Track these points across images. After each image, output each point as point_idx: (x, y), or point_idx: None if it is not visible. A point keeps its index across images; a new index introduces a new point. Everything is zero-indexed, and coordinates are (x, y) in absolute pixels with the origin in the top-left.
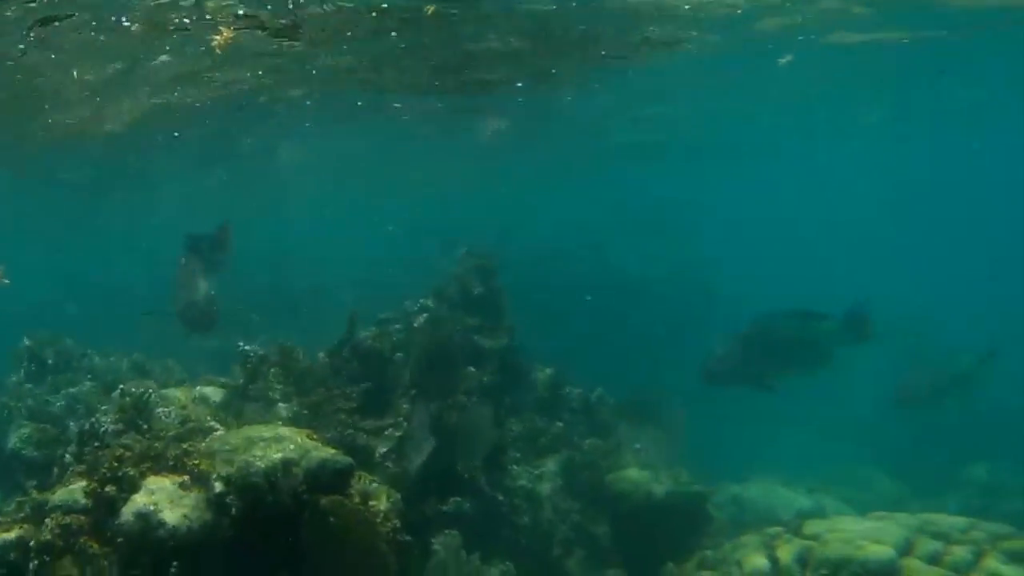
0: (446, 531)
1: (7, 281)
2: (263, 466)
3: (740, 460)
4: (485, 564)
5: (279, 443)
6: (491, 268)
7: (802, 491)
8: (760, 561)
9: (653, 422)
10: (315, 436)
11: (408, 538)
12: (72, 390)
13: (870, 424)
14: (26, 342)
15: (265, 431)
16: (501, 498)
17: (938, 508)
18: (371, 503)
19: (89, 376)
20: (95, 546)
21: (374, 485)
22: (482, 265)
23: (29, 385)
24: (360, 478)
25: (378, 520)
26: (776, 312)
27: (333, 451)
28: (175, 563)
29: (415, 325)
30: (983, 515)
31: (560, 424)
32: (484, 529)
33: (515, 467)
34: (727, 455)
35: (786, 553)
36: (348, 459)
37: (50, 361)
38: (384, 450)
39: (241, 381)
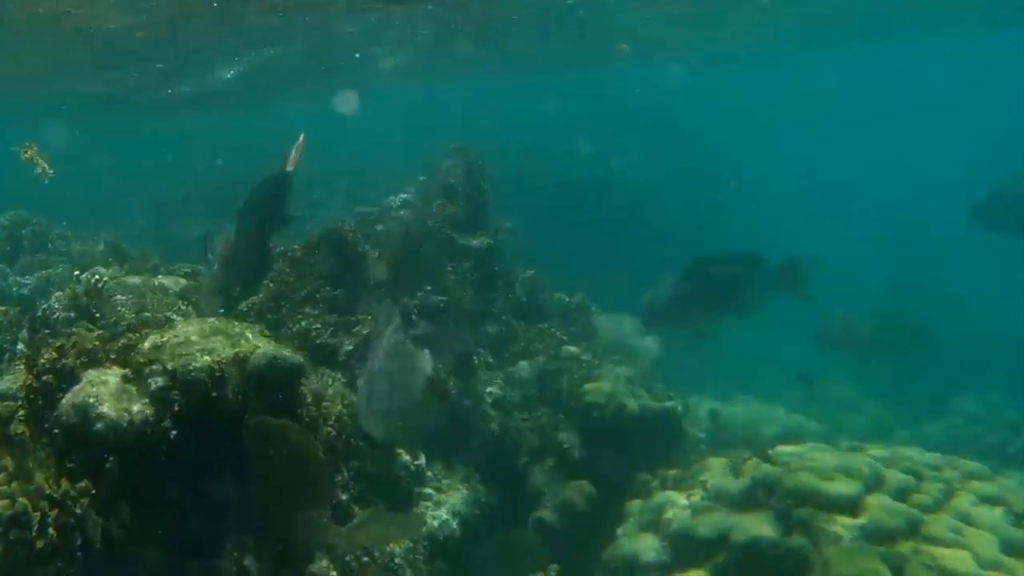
0: None
1: (51, 172)
2: (208, 361)
3: (726, 374)
4: (448, 470)
5: (229, 338)
6: (478, 166)
7: (782, 411)
8: (725, 484)
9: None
10: (268, 333)
11: (361, 443)
12: (44, 272)
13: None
14: (3, 221)
15: (217, 324)
16: (468, 403)
17: (924, 436)
18: (324, 404)
19: (63, 259)
20: (30, 437)
21: (337, 384)
22: (469, 163)
23: (2, 265)
24: (322, 376)
25: (328, 424)
26: (711, 256)
27: (284, 349)
28: (112, 458)
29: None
30: (969, 446)
31: (536, 329)
32: (449, 434)
33: (486, 372)
34: (712, 369)
35: (752, 479)
36: (298, 358)
37: (26, 242)
38: (350, 348)
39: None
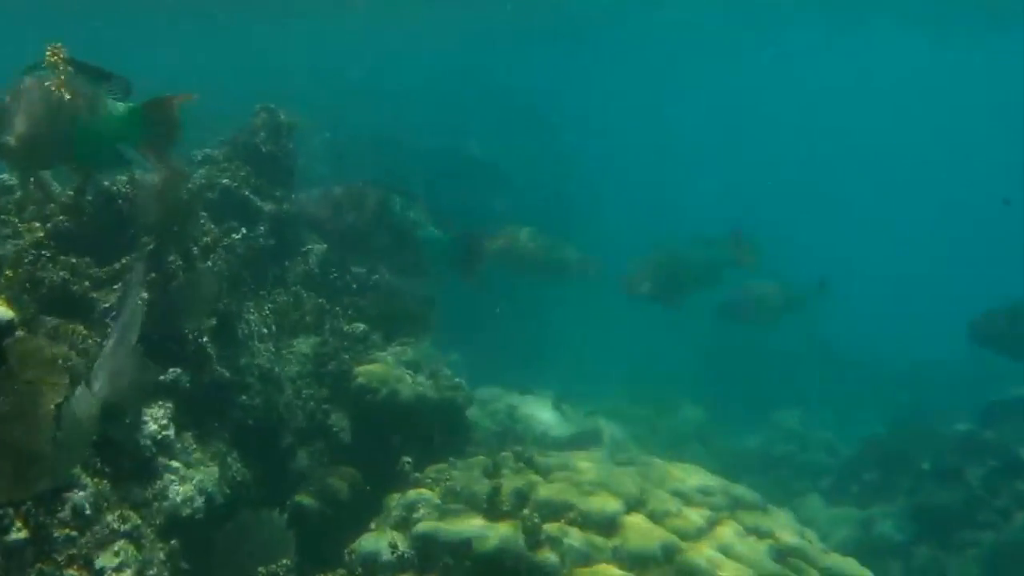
0: (159, 402)
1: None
2: None
3: (551, 368)
4: (200, 444)
5: None
6: (286, 126)
7: (581, 413)
8: (478, 488)
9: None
10: None
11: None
12: None
13: (692, 351)
14: None
15: None
16: (229, 374)
17: (740, 448)
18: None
19: None
20: None
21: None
22: (276, 122)
23: None
24: (68, 333)
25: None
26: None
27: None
28: None
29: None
30: (785, 461)
31: (327, 303)
32: (206, 407)
33: (258, 344)
34: (538, 361)
35: (508, 484)
36: (10, 314)
37: None
38: (106, 306)
39: None
